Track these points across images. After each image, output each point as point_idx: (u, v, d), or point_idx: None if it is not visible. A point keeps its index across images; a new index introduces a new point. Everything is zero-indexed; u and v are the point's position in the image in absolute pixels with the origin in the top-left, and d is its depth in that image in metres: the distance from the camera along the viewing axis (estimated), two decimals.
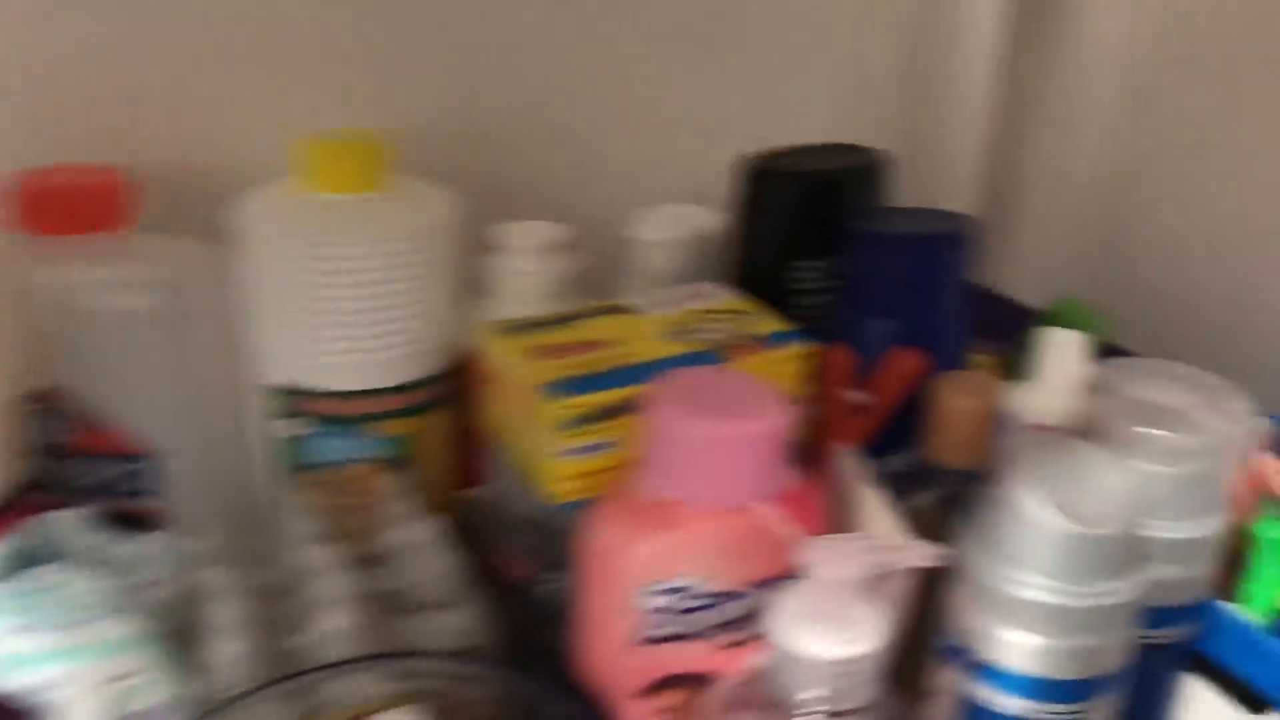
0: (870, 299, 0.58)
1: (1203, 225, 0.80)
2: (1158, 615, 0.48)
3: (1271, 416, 0.65)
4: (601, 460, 0.51)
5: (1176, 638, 0.49)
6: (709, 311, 0.56)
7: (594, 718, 0.48)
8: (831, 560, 0.42)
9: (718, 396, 0.48)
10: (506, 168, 0.72)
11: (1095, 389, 0.50)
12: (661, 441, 0.47)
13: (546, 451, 0.50)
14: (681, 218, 0.68)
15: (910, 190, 0.86)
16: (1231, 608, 0.51)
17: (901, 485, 0.59)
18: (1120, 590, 0.43)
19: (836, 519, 0.55)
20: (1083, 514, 0.42)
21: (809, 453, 0.57)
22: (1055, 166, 0.85)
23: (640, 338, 0.53)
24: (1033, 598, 0.42)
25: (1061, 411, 0.52)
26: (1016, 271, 0.87)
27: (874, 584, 0.53)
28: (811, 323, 0.61)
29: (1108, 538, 0.42)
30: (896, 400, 0.55)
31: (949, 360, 0.57)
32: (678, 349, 0.53)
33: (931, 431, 0.57)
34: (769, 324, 0.55)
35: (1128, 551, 0.44)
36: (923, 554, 0.43)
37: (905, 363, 0.55)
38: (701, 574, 0.47)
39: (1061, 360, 0.52)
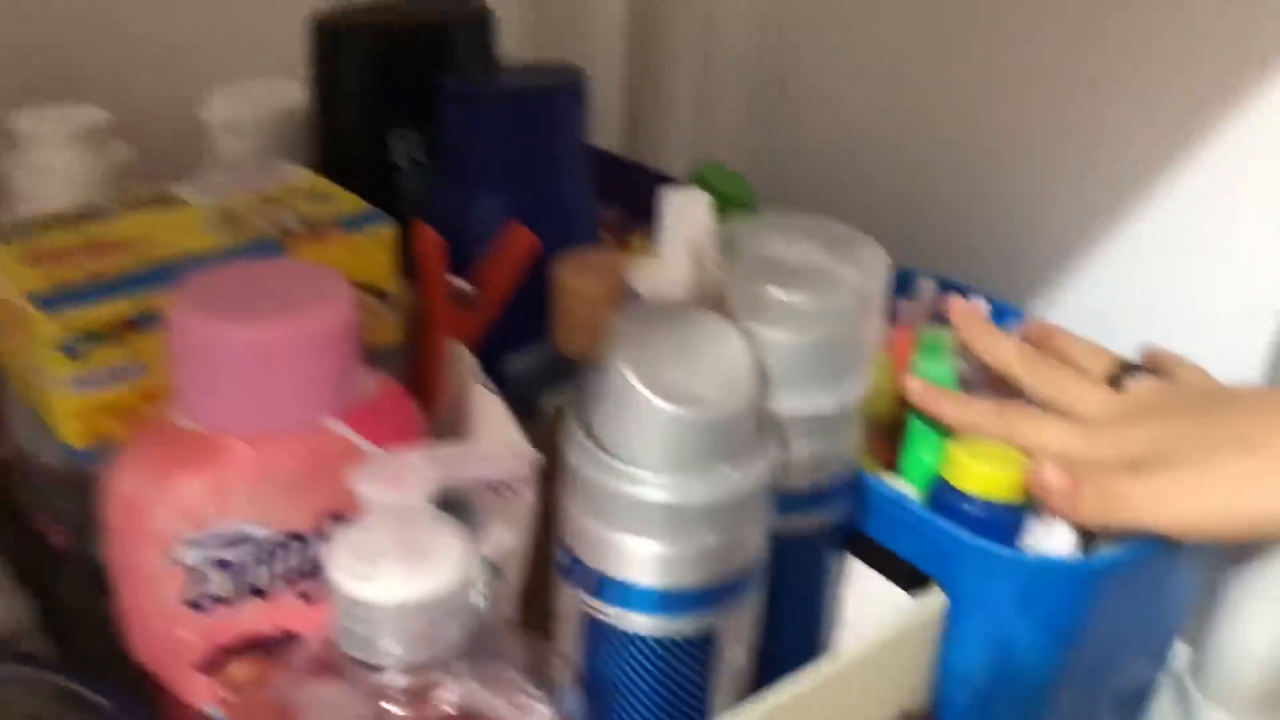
0: (471, 171, 0.49)
1: (861, 78, 0.75)
2: (803, 499, 0.43)
3: (903, 271, 0.61)
4: (125, 390, 0.40)
5: (829, 520, 0.44)
6: (275, 196, 0.46)
7: (138, 710, 0.39)
8: (387, 482, 0.33)
9: (262, 295, 0.38)
10: (33, 40, 0.58)
11: (720, 252, 0.43)
12: (189, 357, 0.37)
13: (51, 383, 0.40)
14: (263, 93, 0.57)
15: (542, 50, 0.77)
16: (883, 481, 0.47)
17: (529, 383, 0.51)
18: (744, 479, 0.37)
19: (452, 428, 0.47)
20: (692, 394, 0.36)
21: (414, 354, 0.48)
22: (705, 19, 0.79)
23: (179, 233, 0.43)
24: (643, 496, 0.36)
25: (686, 282, 0.45)
26: (670, 137, 0.80)
27: (493, 501, 0.46)
28: (414, 202, 0.52)
29: (721, 420, 0.36)
30: (510, 286, 0.47)
31: (571, 237, 0.50)
32: (223, 242, 0.42)
33: (557, 320, 0.50)
34: (347, 205, 0.46)
35: (749, 433, 0.37)
36: (511, 461, 0.36)
37: (516, 243, 0.47)
38: (257, 515, 0.38)
39: (683, 225, 0.45)
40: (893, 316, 0.60)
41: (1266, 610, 0.54)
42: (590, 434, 0.37)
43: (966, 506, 0.45)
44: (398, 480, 0.33)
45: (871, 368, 0.43)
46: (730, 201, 0.58)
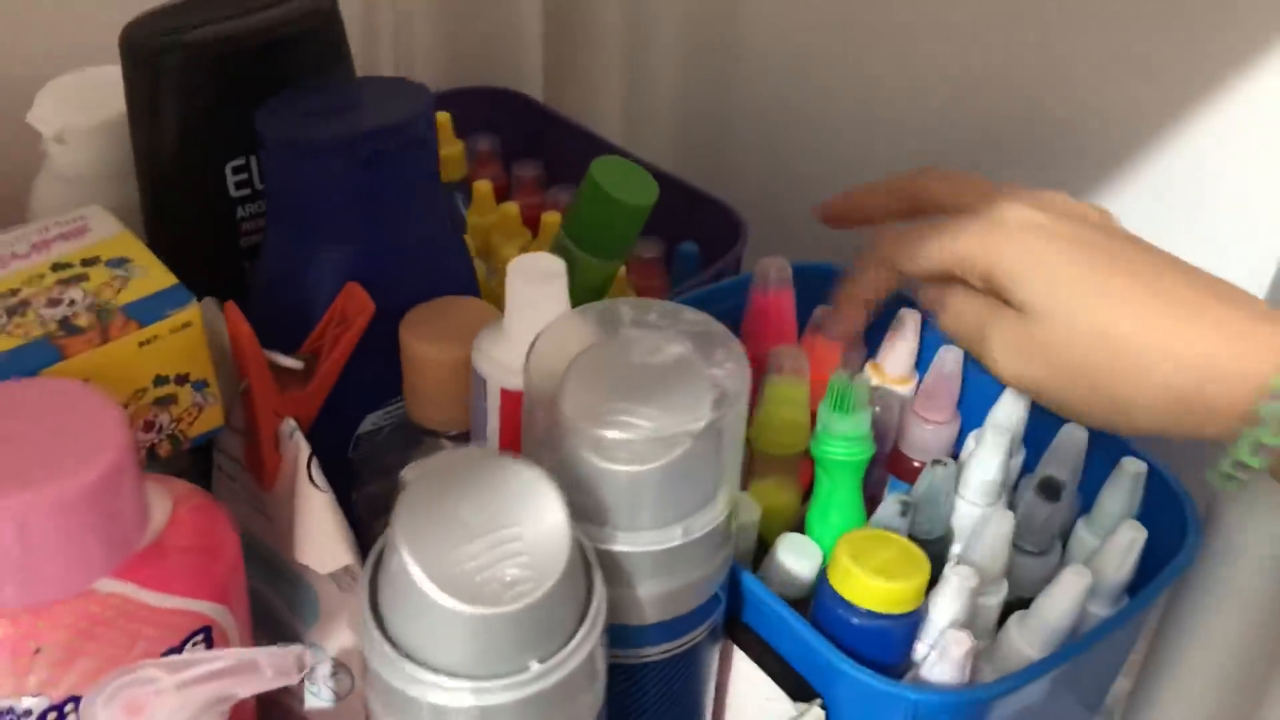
0: (299, 222, 0.43)
1: (810, 27, 0.67)
2: (658, 630, 0.38)
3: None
4: None
5: (692, 642, 0.40)
6: (69, 264, 0.40)
7: None
8: (123, 712, 0.29)
9: (9, 439, 0.33)
10: None
11: (561, 343, 0.37)
12: None
13: None
14: (101, 91, 0.50)
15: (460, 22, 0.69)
16: (763, 586, 0.42)
17: (383, 448, 0.47)
18: (560, 670, 0.32)
19: (287, 517, 0.43)
20: (489, 581, 0.31)
21: (249, 433, 0.43)
22: None
23: None
24: (436, 701, 0.31)
25: (551, 365, 0.39)
26: (597, 83, 0.72)
27: (336, 595, 0.42)
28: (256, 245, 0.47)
29: (526, 610, 0.31)
30: (347, 354, 0.42)
31: (425, 286, 0.44)
32: None
33: (406, 384, 0.44)
34: (149, 282, 0.40)
35: (566, 611, 0.32)
36: (292, 661, 0.31)
37: (352, 307, 0.42)
38: (24, 690, 0.34)
39: (534, 303, 0.39)
40: (816, 326, 0.54)
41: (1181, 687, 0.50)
42: (379, 619, 0.32)
43: (850, 617, 0.40)
44: (135, 709, 0.29)
45: (736, 479, 0.38)
46: (625, 207, 0.52)
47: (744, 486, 0.52)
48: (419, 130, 0.42)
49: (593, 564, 0.34)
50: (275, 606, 0.45)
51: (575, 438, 0.35)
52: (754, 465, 0.53)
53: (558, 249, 0.54)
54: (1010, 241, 0.40)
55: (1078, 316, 0.37)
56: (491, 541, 0.31)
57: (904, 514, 0.44)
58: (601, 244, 0.52)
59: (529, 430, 0.37)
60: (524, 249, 0.65)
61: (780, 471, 0.51)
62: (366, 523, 0.45)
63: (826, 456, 0.47)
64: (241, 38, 0.44)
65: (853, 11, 0.64)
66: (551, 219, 0.62)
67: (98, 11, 0.49)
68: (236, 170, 0.46)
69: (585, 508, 0.35)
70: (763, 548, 0.48)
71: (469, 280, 0.47)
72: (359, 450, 0.46)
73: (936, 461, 0.46)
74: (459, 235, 0.48)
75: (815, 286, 0.55)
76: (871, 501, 0.51)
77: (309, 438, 0.44)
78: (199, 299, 0.44)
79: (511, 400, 0.40)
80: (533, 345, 0.36)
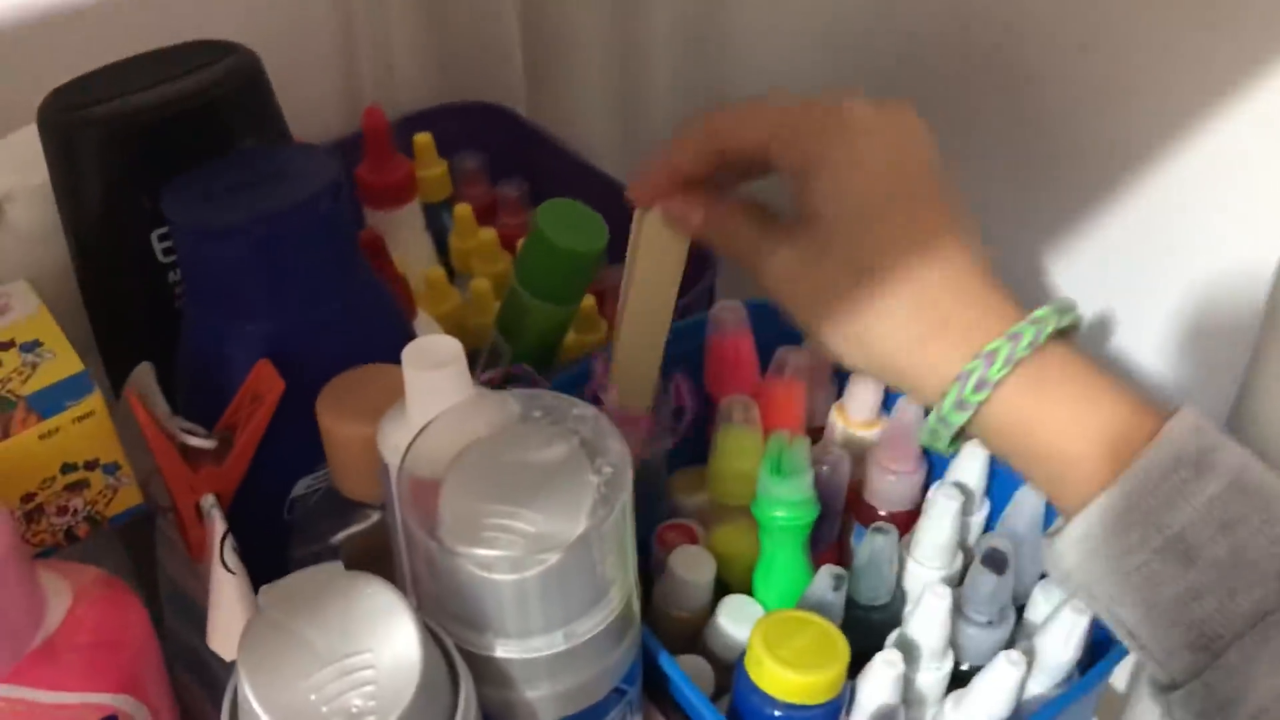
0: (212, 300, 0.43)
1: (799, 34, 0.63)
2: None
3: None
4: None
5: None
6: None
7: None
8: None
9: None
10: None
11: (443, 440, 0.36)
12: None
13: None
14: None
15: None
16: (684, 674, 0.41)
17: (315, 516, 0.46)
18: None
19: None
20: (337, 709, 0.30)
21: (174, 511, 0.44)
22: None
23: None
24: None
25: (437, 459, 0.38)
26: (580, 94, 0.70)
27: None
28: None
29: None
30: (260, 431, 0.42)
31: (345, 357, 0.43)
32: None
33: (328, 459, 0.44)
34: (56, 369, 0.40)
35: None
36: None
37: (262, 384, 0.41)
38: None
39: (428, 387, 0.38)
40: (779, 367, 0.52)
41: None
42: None
43: (765, 708, 0.39)
44: None
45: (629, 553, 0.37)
46: (571, 254, 0.50)
47: (705, 535, 0.51)
48: (321, 206, 0.41)
49: (461, 676, 0.33)
50: (215, 669, 0.46)
51: (452, 547, 0.34)
52: (713, 513, 0.51)
53: (511, 293, 0.53)
54: (843, 138, 0.38)
55: (844, 236, 0.37)
56: (339, 670, 0.31)
57: (837, 588, 0.43)
58: (551, 290, 0.51)
59: (408, 535, 0.36)
60: (499, 274, 0.64)
61: (737, 519, 0.49)
62: None
63: (767, 520, 0.45)
64: (158, 108, 0.44)
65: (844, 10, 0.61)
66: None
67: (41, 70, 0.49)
68: (163, 237, 0.45)
69: (464, 615, 0.35)
70: (730, 589, 0.47)
71: (400, 341, 0.46)
72: (293, 514, 0.46)
73: (876, 529, 0.44)
74: (386, 296, 0.47)
75: (780, 323, 0.53)
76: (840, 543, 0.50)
77: (239, 504, 0.44)
78: (140, 361, 0.45)
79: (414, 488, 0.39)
80: (406, 452, 0.35)
